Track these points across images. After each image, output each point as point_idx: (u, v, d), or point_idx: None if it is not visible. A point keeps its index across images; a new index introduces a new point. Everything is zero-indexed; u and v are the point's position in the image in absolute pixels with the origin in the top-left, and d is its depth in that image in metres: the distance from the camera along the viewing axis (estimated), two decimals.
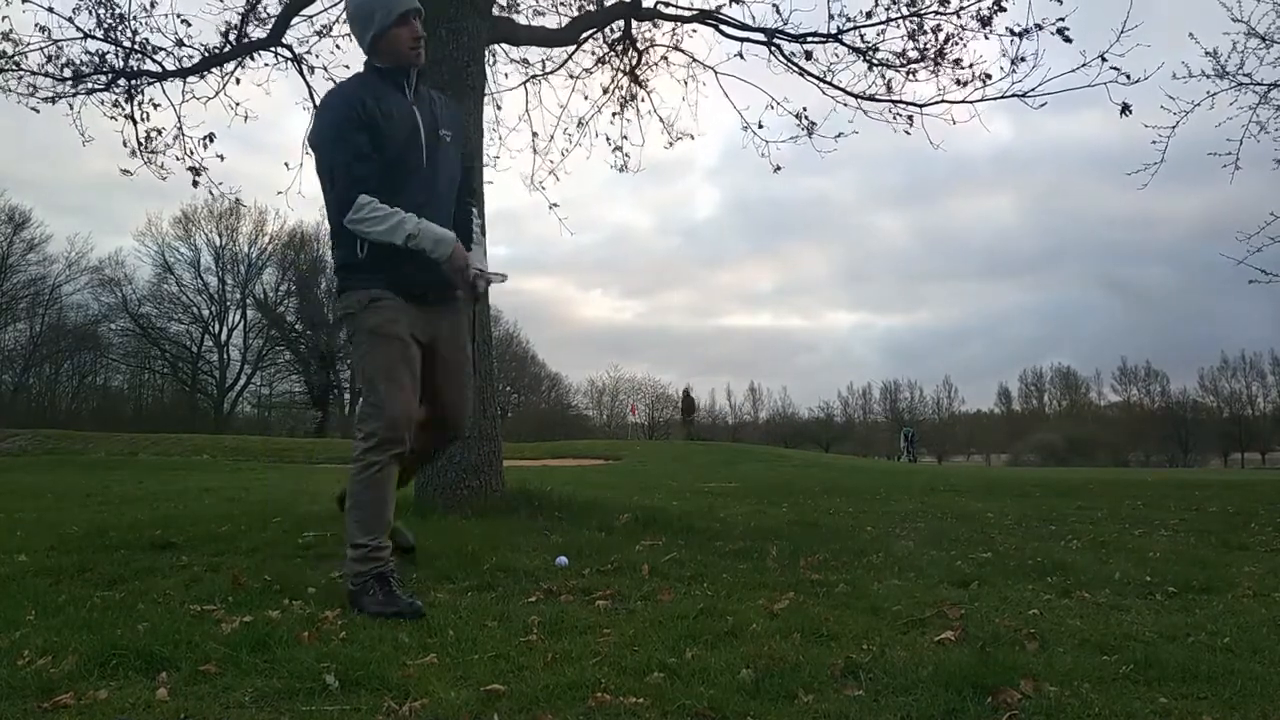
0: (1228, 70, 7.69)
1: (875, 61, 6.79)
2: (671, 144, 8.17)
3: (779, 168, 7.96)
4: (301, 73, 7.44)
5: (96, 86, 6.99)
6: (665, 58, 7.76)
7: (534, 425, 43.69)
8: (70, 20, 6.72)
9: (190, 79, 7.13)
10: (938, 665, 2.08)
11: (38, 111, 6.92)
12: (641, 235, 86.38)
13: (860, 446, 52.84)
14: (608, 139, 8.23)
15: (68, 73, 6.87)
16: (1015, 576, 3.44)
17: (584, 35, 7.37)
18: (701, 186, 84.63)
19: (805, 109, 7.28)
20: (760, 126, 7.53)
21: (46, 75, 6.86)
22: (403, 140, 2.86)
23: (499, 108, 8.03)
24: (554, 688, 1.93)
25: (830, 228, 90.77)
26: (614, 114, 8.03)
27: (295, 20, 7.09)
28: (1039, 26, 6.23)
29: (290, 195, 9.81)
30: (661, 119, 8.17)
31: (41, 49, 6.78)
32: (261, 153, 44.12)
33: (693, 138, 8.25)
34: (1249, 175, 7.94)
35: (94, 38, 6.80)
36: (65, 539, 4.40)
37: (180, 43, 6.91)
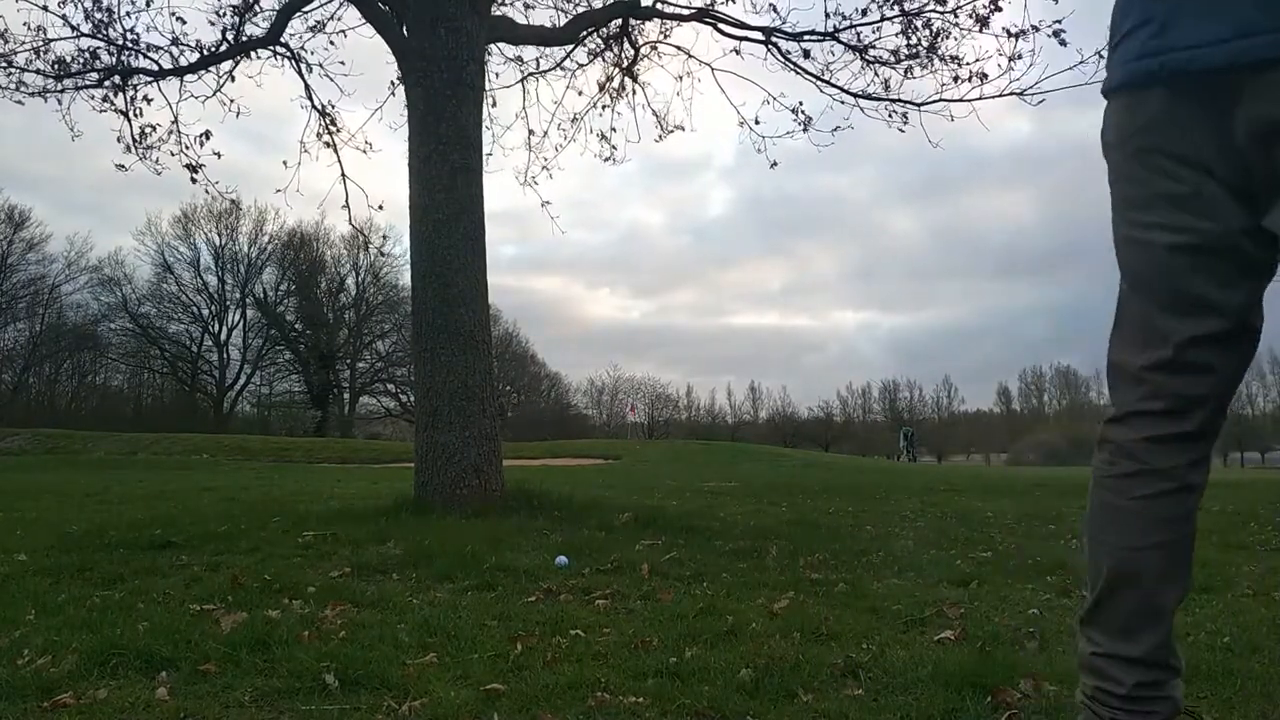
0: None
1: (871, 59, 6.81)
2: (662, 137, 8.20)
3: (775, 163, 8.00)
4: (299, 71, 7.45)
5: (85, 84, 6.97)
6: (655, 45, 7.78)
7: (533, 425, 43.71)
8: (64, 19, 6.70)
9: (187, 78, 7.13)
10: (938, 665, 2.08)
11: (22, 104, 6.91)
12: (651, 234, 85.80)
13: (860, 446, 52.79)
14: (601, 135, 8.26)
15: (56, 69, 6.85)
16: (1015, 576, 3.44)
17: (583, 34, 7.38)
18: (716, 185, 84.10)
19: (801, 103, 7.31)
20: (757, 122, 7.55)
21: (37, 72, 6.84)
22: None
23: (494, 104, 8.05)
24: (554, 687, 1.93)
25: (844, 226, 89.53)
26: (604, 106, 8.07)
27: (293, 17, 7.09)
28: (1035, 29, 6.27)
29: (289, 194, 9.81)
30: (655, 112, 8.20)
31: (32, 46, 6.76)
32: (269, 151, 43.96)
33: (682, 129, 8.30)
34: None
35: (85, 35, 6.78)
36: (65, 538, 4.39)
37: (176, 41, 6.90)
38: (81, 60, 6.88)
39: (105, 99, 7.08)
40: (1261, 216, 1.21)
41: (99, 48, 6.88)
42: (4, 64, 6.78)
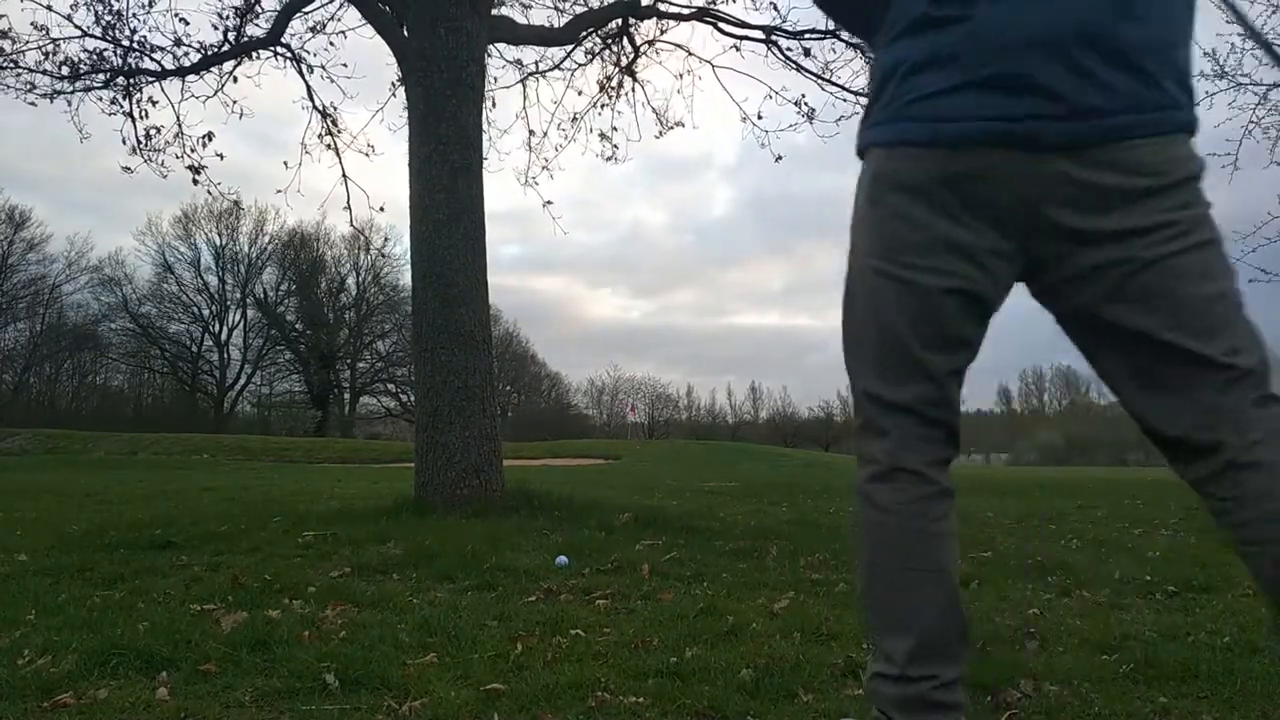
0: (1227, 71, 7.70)
1: (873, 55, 6.83)
2: (662, 133, 8.22)
3: (780, 157, 8.05)
4: (301, 72, 7.45)
5: (94, 85, 6.99)
6: (653, 42, 7.79)
7: (534, 425, 43.73)
8: (69, 19, 6.72)
9: (189, 78, 7.14)
10: None
11: (34, 105, 6.95)
12: (653, 233, 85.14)
13: None
14: (601, 134, 8.27)
15: (65, 70, 6.87)
16: (1015, 576, 3.44)
17: (583, 34, 7.38)
18: (718, 184, 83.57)
19: (804, 95, 7.35)
20: (760, 117, 7.57)
21: (45, 73, 6.86)
22: None
23: (494, 105, 8.05)
24: (554, 687, 1.93)
25: (846, 225, 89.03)
26: (602, 105, 8.09)
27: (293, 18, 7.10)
28: None
29: (290, 194, 9.81)
30: (655, 110, 8.22)
31: (40, 47, 6.78)
32: (270, 152, 43.92)
33: (682, 125, 8.33)
34: (1246, 175, 7.97)
35: (92, 36, 6.80)
36: (65, 538, 4.40)
37: (179, 41, 6.92)
38: (89, 62, 6.90)
39: (114, 101, 7.11)
40: (1031, 275, 1.32)
41: (105, 49, 6.90)
42: (12, 64, 6.80)
